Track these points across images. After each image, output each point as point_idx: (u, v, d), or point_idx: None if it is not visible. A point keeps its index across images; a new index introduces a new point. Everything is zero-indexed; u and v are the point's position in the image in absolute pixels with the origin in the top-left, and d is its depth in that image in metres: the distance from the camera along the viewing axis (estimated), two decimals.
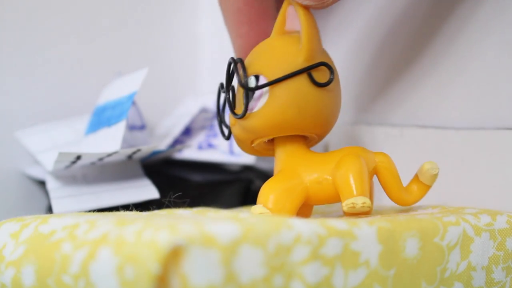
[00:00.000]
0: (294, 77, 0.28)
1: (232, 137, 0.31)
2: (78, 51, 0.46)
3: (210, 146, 0.44)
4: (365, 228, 0.24)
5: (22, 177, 0.43)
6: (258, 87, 0.28)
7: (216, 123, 0.45)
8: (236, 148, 0.44)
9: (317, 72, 0.28)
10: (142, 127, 0.43)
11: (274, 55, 0.28)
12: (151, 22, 0.51)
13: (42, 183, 0.42)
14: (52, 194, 0.37)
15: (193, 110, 0.46)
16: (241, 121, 0.28)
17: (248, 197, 0.42)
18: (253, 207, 0.28)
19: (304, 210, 0.30)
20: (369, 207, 0.27)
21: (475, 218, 0.27)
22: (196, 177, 0.42)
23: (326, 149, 0.43)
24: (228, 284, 0.20)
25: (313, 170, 0.29)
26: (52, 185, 0.37)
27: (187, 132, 0.46)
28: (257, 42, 0.31)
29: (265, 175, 0.45)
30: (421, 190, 0.30)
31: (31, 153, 0.41)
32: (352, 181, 0.27)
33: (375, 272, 0.24)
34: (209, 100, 0.46)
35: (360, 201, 0.27)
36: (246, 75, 0.28)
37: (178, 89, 0.52)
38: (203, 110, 0.46)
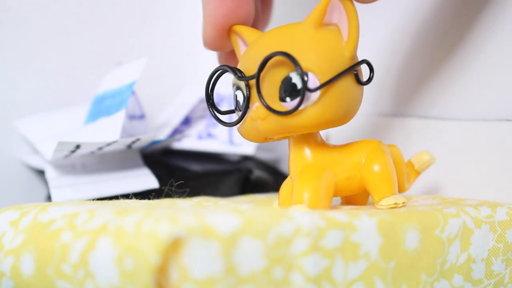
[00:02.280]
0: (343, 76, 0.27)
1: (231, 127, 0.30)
2: (78, 41, 0.46)
3: (210, 136, 0.44)
4: (365, 220, 0.24)
5: (21, 166, 0.43)
6: (318, 88, 0.26)
7: None
8: (236, 138, 0.44)
9: (357, 69, 0.28)
10: (142, 117, 0.43)
11: (322, 51, 0.27)
12: (151, 12, 0.50)
13: (41, 172, 0.42)
14: (51, 183, 0.36)
15: (193, 99, 0.46)
16: (281, 118, 0.27)
17: (247, 187, 0.42)
18: (294, 207, 0.27)
19: None
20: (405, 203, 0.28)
21: (475, 210, 0.27)
22: (196, 166, 0.42)
23: (327, 137, 0.43)
24: (228, 276, 0.20)
25: (341, 166, 0.28)
26: (51, 174, 0.37)
27: (187, 121, 0.46)
28: (231, 11, 0.29)
29: (265, 165, 0.45)
30: (415, 177, 0.32)
31: (31, 142, 0.41)
32: (387, 179, 0.28)
33: (375, 264, 0.24)
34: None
35: (401, 200, 0.28)
36: (304, 73, 0.26)
37: (177, 78, 0.52)
38: (203, 100, 0.46)
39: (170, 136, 0.43)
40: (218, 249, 0.20)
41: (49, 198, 0.37)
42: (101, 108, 0.39)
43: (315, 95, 0.26)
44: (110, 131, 0.36)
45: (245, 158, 0.45)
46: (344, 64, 0.27)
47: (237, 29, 0.30)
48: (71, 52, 0.46)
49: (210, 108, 0.29)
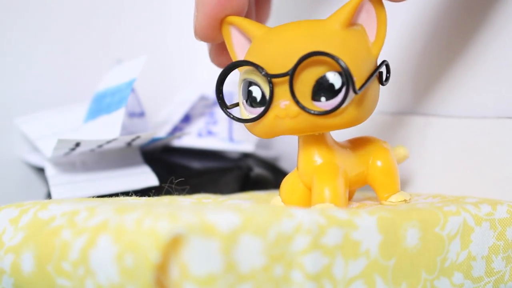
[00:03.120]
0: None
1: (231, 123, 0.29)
2: (78, 39, 0.46)
3: (210, 133, 0.44)
4: (365, 218, 0.24)
5: (21, 164, 0.43)
6: (361, 88, 0.26)
7: (216, 110, 0.45)
8: (236, 135, 0.43)
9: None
10: (141, 114, 0.43)
11: (355, 52, 0.27)
12: (151, 10, 0.50)
13: (41, 170, 0.42)
14: (51, 181, 0.36)
15: (193, 97, 0.46)
16: (314, 117, 0.26)
17: (247, 184, 0.42)
18: (318, 206, 0.27)
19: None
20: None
21: (475, 207, 0.27)
22: (196, 164, 0.42)
23: None
24: (227, 273, 0.20)
25: (352, 163, 0.29)
26: (51, 172, 0.37)
27: (187, 119, 0.45)
28: (222, 5, 0.29)
29: (264, 163, 0.45)
30: None
31: (31, 140, 0.40)
32: (394, 177, 0.30)
33: (375, 262, 0.24)
34: (209, 87, 0.46)
35: (408, 197, 0.30)
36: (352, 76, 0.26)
37: (177, 76, 0.52)
38: (203, 98, 0.46)
39: (170, 134, 0.43)
40: (218, 247, 0.20)
41: (49, 196, 0.37)
42: (101, 106, 0.39)
43: (351, 95, 0.26)
44: (110, 129, 0.36)
45: (245, 156, 0.45)
46: (372, 65, 0.27)
47: (235, 20, 0.29)
48: (71, 50, 0.46)
49: (220, 103, 0.29)
